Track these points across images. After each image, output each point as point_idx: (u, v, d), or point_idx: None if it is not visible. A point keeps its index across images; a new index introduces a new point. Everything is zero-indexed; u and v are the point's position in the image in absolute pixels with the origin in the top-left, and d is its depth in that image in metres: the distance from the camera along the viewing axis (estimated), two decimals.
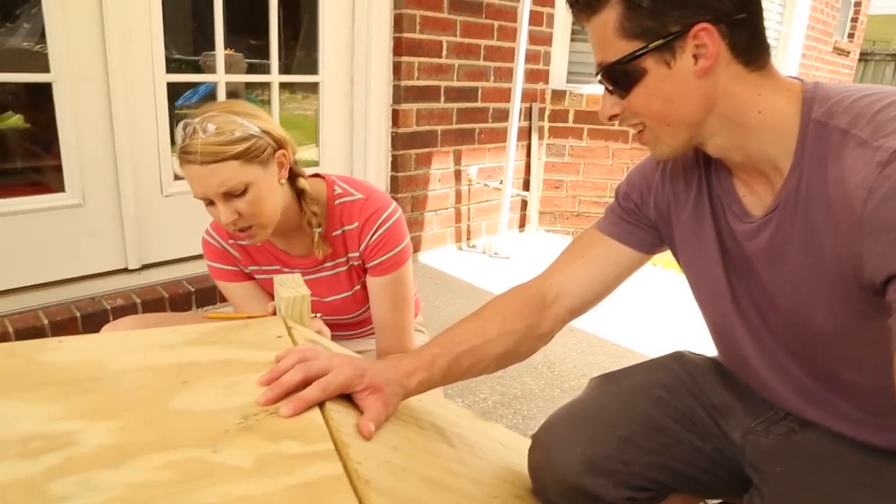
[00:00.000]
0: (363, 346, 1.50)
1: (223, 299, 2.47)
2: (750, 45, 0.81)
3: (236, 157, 1.15)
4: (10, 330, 2.04)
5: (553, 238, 3.94)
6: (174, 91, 2.43)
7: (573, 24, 3.85)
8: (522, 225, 4.00)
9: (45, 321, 2.11)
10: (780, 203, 0.84)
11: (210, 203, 1.20)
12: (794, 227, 0.83)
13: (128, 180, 2.33)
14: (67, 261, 2.28)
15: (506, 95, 3.53)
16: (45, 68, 2.12)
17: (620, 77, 0.85)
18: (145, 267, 2.46)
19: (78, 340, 0.92)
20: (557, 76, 3.90)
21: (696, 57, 0.80)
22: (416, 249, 3.34)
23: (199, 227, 2.53)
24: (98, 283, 2.36)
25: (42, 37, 2.12)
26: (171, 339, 0.93)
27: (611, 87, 0.87)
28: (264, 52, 2.75)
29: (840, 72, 7.43)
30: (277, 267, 1.38)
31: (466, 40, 3.25)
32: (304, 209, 1.29)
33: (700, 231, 0.98)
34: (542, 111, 3.87)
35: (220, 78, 2.55)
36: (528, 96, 3.67)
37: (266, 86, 2.84)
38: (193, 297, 2.44)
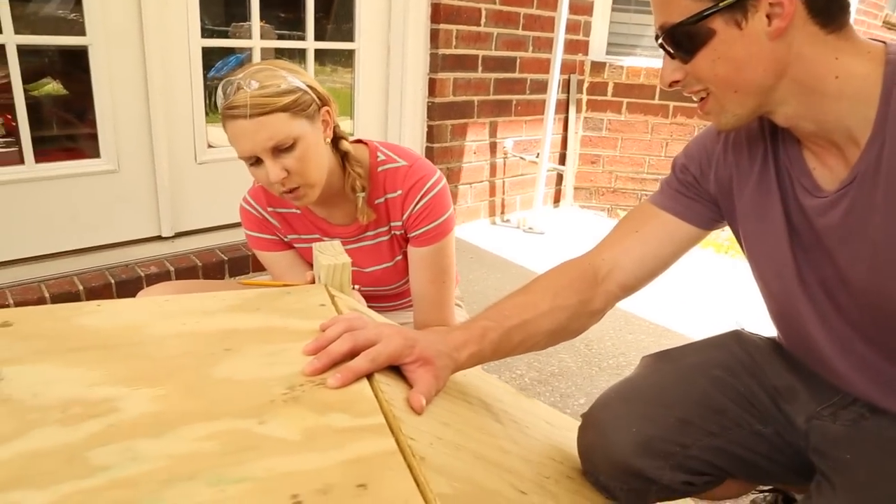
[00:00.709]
0: (401, 318, 1.46)
1: (256, 268, 2.46)
2: (828, 4, 0.75)
3: (284, 108, 1.11)
4: (47, 295, 2.05)
5: (588, 214, 3.86)
6: (206, 62, 2.40)
7: None
8: (557, 200, 3.92)
9: (80, 287, 2.12)
10: (856, 176, 0.78)
11: (256, 162, 1.15)
12: (874, 201, 0.77)
13: (162, 147, 2.31)
14: (102, 227, 2.28)
15: (544, 66, 3.44)
16: (79, 35, 2.10)
17: (685, 39, 0.79)
18: (178, 235, 2.46)
19: (116, 304, 0.89)
20: (597, 47, 3.78)
21: (769, 17, 0.74)
22: None
23: (232, 195, 2.51)
24: (132, 250, 2.35)
25: (77, 4, 2.09)
26: (212, 304, 0.90)
27: (673, 51, 0.82)
28: (294, 25, 2.70)
29: None
30: (317, 236, 1.34)
31: (506, 8, 3.16)
32: (347, 172, 1.25)
33: (765, 206, 0.92)
34: (580, 83, 3.76)
35: (255, 44, 2.51)
36: (566, 68, 3.57)
37: (298, 58, 2.78)
38: (226, 266, 2.43)
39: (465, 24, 3.02)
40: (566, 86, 3.70)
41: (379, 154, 1.29)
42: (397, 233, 1.32)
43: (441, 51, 2.96)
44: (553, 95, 3.33)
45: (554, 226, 3.54)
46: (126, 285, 2.19)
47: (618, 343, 2.25)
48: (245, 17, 2.53)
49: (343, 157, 1.25)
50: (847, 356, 0.91)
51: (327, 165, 1.21)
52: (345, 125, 3.09)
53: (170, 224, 2.41)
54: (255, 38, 2.50)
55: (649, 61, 3.74)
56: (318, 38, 2.71)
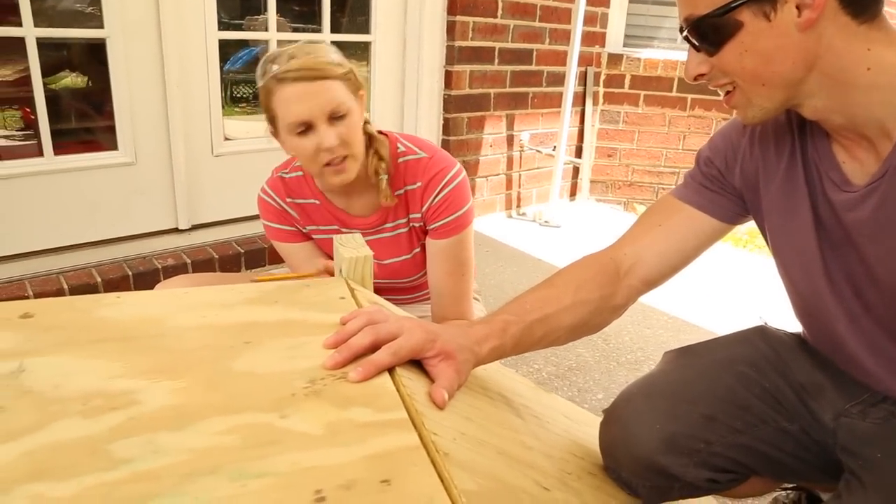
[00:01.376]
0: (416, 311, 1.45)
1: (273, 261, 2.46)
2: None
3: (340, 78, 1.15)
4: (65, 286, 2.06)
5: (604, 208, 3.83)
6: (221, 55, 2.40)
7: None
8: (573, 193, 3.90)
9: (98, 279, 2.13)
10: (888, 170, 0.76)
11: (305, 130, 1.15)
12: None
13: (179, 139, 2.32)
14: (120, 219, 2.29)
15: (561, 58, 3.40)
16: (97, 28, 2.11)
17: (711, 32, 0.77)
18: (195, 227, 2.46)
19: (136, 296, 0.89)
20: (614, 39, 3.74)
21: (799, 8, 0.71)
22: None
23: (248, 188, 2.52)
24: (149, 242, 2.36)
25: None
26: (231, 297, 0.89)
27: (698, 44, 0.79)
28: (308, 18, 2.69)
29: None
30: (336, 227, 1.33)
31: (522, 0, 3.13)
32: (370, 157, 1.25)
33: (792, 200, 0.90)
34: (596, 76, 3.73)
35: (271, 36, 2.50)
36: (582, 60, 3.53)
37: None
38: (242, 259, 2.43)
39: (482, 16, 2.99)
40: (583, 78, 3.66)
41: (399, 145, 1.28)
42: (416, 225, 1.31)
43: (457, 43, 2.94)
44: (570, 88, 3.29)
45: (570, 219, 3.52)
46: (143, 277, 2.20)
47: (636, 338, 2.23)
48: (259, 10, 2.53)
49: (368, 141, 1.25)
50: (875, 354, 0.89)
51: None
52: None
53: (186, 216, 2.42)
54: (272, 30, 2.49)
55: (667, 53, 3.70)
56: (333, 30, 2.70)
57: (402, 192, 1.28)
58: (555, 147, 3.45)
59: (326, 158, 1.16)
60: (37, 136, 2.11)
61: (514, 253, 2.98)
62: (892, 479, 0.84)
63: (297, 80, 1.11)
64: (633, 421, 0.94)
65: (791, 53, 0.74)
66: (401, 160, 1.27)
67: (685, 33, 0.80)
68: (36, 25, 1.99)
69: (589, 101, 3.72)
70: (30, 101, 2.06)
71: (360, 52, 2.98)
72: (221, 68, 2.43)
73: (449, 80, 2.99)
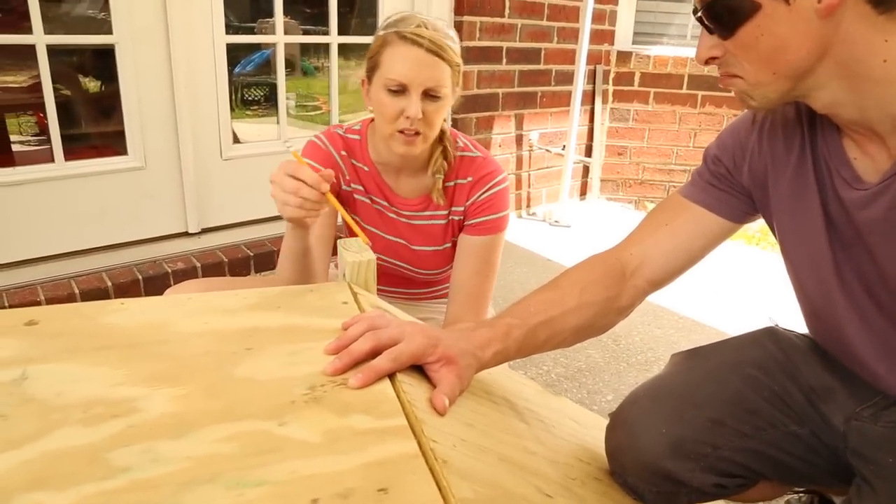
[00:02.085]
0: (424, 312, 1.45)
1: None
2: None
3: (451, 65, 1.19)
4: (77, 291, 2.08)
5: (615, 206, 3.81)
6: (231, 58, 2.41)
7: None
8: (583, 193, 3.88)
9: (109, 283, 2.14)
10: None
11: (398, 92, 1.18)
12: None
13: (188, 143, 2.33)
14: (130, 223, 2.31)
15: (569, 57, 3.39)
16: (107, 34, 2.12)
17: (726, 14, 0.74)
18: (205, 231, 2.47)
19: (140, 303, 0.89)
20: (623, 37, 3.72)
21: None
22: None
23: (257, 191, 2.52)
24: (159, 246, 2.38)
25: (106, 4, 2.11)
26: (234, 303, 0.89)
27: (713, 27, 0.77)
28: (319, 20, 2.69)
29: None
30: (380, 199, 1.35)
31: None
32: (433, 151, 1.29)
33: (801, 198, 0.88)
34: (606, 74, 3.71)
35: (279, 39, 2.51)
36: (591, 58, 3.52)
37: (323, 53, 2.78)
38: (252, 262, 2.44)
39: (489, 16, 2.98)
40: (592, 76, 3.65)
41: (459, 140, 1.34)
42: (455, 218, 1.34)
43: (465, 43, 2.93)
44: (579, 86, 3.28)
45: (580, 218, 3.50)
46: (153, 281, 2.21)
47: (646, 338, 2.21)
48: (271, 12, 2.54)
49: (440, 134, 1.29)
50: (887, 357, 0.87)
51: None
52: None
53: (196, 220, 2.43)
54: (279, 33, 2.50)
55: (677, 50, 3.67)
56: (342, 31, 2.70)
57: (452, 184, 1.32)
58: (564, 146, 3.44)
59: (403, 125, 1.19)
60: (49, 141, 2.13)
61: (523, 253, 2.97)
62: None
63: (416, 45, 1.15)
64: (638, 425, 0.93)
65: (807, 41, 0.72)
66: (458, 154, 1.33)
67: (699, 14, 0.78)
68: (52, 32, 2.01)
69: (598, 100, 3.70)
70: (44, 107, 2.08)
71: (364, 54, 2.97)
72: (232, 71, 2.44)
73: None
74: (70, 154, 2.16)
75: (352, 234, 1.11)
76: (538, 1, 3.16)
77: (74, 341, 0.77)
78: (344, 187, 1.36)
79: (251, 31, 4.22)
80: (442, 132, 1.29)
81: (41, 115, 2.15)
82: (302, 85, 5.98)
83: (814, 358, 0.98)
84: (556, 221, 3.43)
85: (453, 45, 1.21)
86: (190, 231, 2.43)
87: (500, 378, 0.99)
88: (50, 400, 0.65)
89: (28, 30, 1.98)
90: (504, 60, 3.13)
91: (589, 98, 3.67)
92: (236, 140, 2.48)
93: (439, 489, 0.54)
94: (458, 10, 2.89)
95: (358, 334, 0.75)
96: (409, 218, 1.35)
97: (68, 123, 2.23)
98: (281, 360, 0.74)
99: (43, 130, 2.18)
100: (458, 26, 2.91)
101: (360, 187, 1.35)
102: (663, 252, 0.99)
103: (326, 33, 2.69)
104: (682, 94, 3.68)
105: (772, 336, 1.02)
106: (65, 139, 2.13)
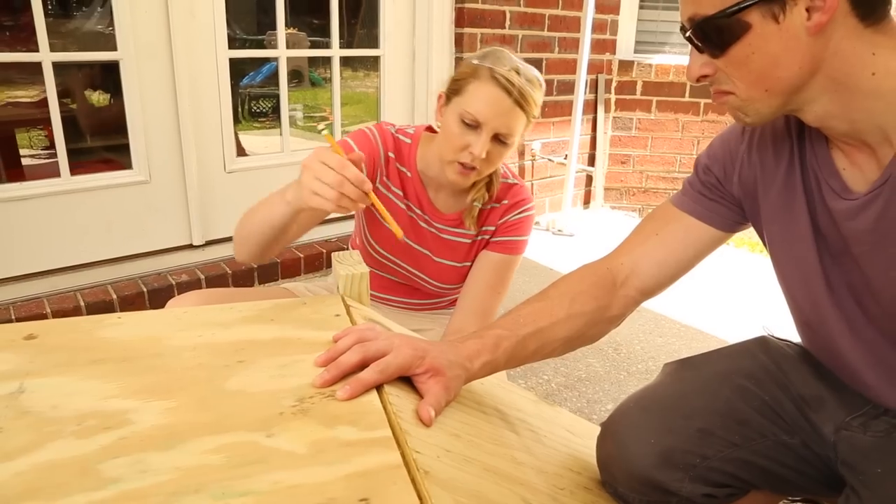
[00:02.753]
0: (418, 323, 1.46)
1: (286, 276, 2.49)
2: None
3: (529, 117, 1.24)
4: (82, 304, 2.11)
5: (619, 215, 3.81)
6: (239, 71, 2.45)
7: None
8: (587, 201, 3.89)
9: (114, 295, 2.17)
10: (889, 177, 0.74)
11: (472, 127, 1.21)
12: None
13: (192, 157, 2.36)
14: (135, 236, 2.34)
15: (571, 67, 3.41)
16: (114, 49, 2.16)
17: (716, 34, 0.75)
18: (209, 243, 2.50)
19: (136, 317, 0.91)
20: (625, 46, 3.74)
21: (809, 10, 0.70)
22: None
23: None
24: (164, 258, 2.40)
25: (113, 19, 2.15)
26: (228, 316, 0.91)
27: (703, 45, 0.77)
28: (326, 31, 2.72)
29: None
30: (416, 208, 1.37)
31: (530, 10, 3.14)
32: (483, 181, 1.33)
33: (790, 208, 0.88)
34: (608, 83, 3.72)
35: (282, 53, 2.54)
36: (593, 68, 3.53)
37: (330, 64, 2.81)
38: (255, 274, 2.46)
39: (490, 27, 3.01)
40: (594, 86, 3.66)
41: (502, 167, 1.37)
42: (484, 237, 1.38)
43: (466, 55, 2.95)
44: (580, 96, 3.29)
45: (584, 228, 3.51)
46: (158, 294, 2.24)
47: (647, 347, 2.22)
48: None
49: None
50: (877, 367, 0.88)
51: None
52: None
53: (200, 233, 2.46)
54: (281, 47, 2.53)
55: (678, 59, 3.68)
56: (349, 43, 2.73)
57: (488, 206, 1.37)
58: (566, 155, 3.45)
59: (465, 159, 1.22)
60: (55, 156, 2.16)
61: (526, 263, 2.98)
62: (892, 495, 0.82)
63: (504, 91, 1.18)
64: (628, 435, 0.94)
65: (798, 58, 0.72)
66: (501, 180, 1.37)
67: (688, 34, 0.78)
68: (63, 47, 2.05)
69: (601, 109, 3.71)
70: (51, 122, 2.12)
71: (372, 63, 3.01)
72: (237, 84, 2.48)
73: None
74: (78, 168, 2.20)
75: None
76: (539, 12, 3.18)
77: (71, 355, 0.79)
78: (378, 185, 1.37)
79: (259, 44, 4.27)
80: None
81: (51, 129, 2.19)
82: (310, 96, 6.03)
83: (804, 367, 0.99)
84: (559, 231, 3.44)
85: (538, 96, 1.24)
86: (194, 243, 2.46)
87: (493, 388, 1.00)
88: (45, 413, 0.67)
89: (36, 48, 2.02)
90: None
91: (591, 107, 3.69)
92: (242, 152, 2.51)
93: (420, 499, 0.56)
94: (459, 21, 2.92)
95: (346, 347, 0.76)
96: (440, 231, 1.38)
97: (76, 137, 2.27)
98: (271, 373, 0.75)
99: (52, 144, 2.22)
100: (459, 38, 2.94)
101: (400, 192, 1.37)
102: (654, 262, 1.00)
103: (327, 46, 2.73)
104: (684, 102, 3.69)
105: (763, 346, 1.03)
106: (72, 153, 2.17)
